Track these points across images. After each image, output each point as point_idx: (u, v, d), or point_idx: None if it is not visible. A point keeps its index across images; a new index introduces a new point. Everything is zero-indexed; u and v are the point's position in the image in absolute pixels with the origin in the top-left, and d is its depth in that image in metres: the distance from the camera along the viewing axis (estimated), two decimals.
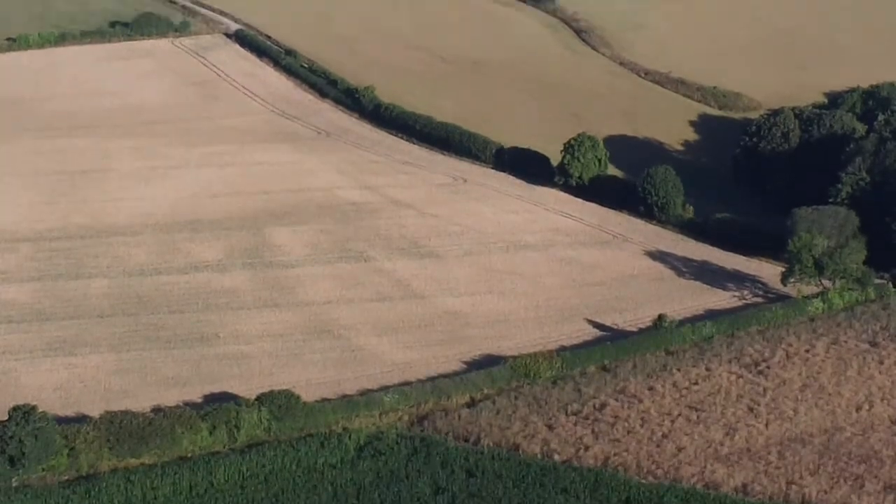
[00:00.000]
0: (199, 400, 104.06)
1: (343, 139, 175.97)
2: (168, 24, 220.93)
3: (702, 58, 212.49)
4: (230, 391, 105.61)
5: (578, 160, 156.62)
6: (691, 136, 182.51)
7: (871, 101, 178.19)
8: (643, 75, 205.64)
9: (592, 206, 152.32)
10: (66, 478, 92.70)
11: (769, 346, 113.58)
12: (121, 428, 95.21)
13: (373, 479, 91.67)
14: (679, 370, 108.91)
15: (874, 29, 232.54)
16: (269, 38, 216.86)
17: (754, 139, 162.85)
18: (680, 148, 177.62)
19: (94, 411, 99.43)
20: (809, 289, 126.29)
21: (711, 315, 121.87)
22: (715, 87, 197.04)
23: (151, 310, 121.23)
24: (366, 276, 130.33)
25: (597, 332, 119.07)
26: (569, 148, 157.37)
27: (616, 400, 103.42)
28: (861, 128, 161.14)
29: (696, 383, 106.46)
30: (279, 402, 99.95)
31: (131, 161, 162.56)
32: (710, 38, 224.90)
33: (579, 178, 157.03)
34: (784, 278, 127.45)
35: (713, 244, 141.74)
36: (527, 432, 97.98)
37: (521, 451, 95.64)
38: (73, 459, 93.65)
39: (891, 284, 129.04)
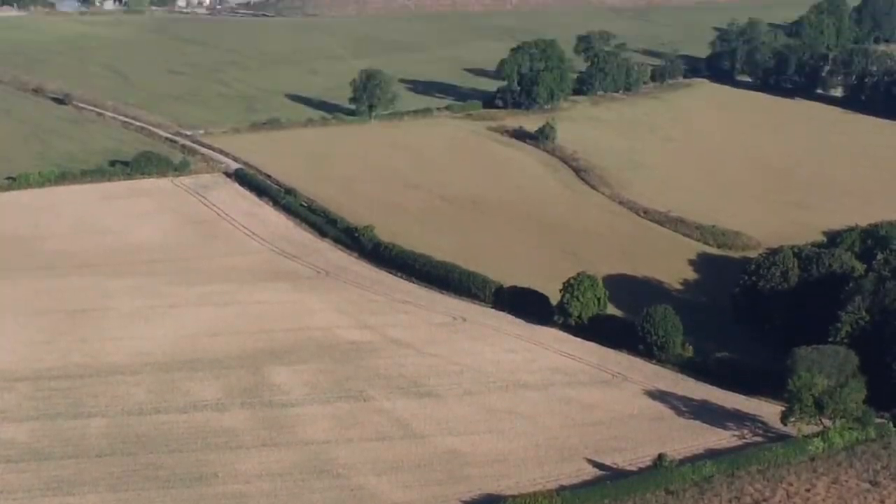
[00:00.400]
0: None
1: (342, 278, 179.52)
2: (168, 163, 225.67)
3: (700, 197, 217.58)
4: None
5: (578, 299, 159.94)
6: (690, 274, 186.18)
7: (870, 240, 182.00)
8: (642, 214, 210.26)
9: (592, 346, 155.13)
10: None
11: (769, 486, 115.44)
12: None
13: None
14: None
15: (872, 168, 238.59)
16: (268, 177, 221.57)
17: (753, 278, 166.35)
18: (679, 287, 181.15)
19: None
20: (810, 428, 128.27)
21: (712, 454, 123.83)
22: (714, 226, 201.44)
23: (150, 449, 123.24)
24: (365, 415, 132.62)
25: (596, 472, 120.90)
26: (568, 287, 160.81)
27: None
28: (860, 267, 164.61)
29: None
30: None
31: (131, 300, 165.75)
32: (708, 177, 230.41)
33: (578, 317, 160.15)
34: (784, 417, 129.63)
35: (713, 383, 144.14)
36: None
37: None
38: None
39: (891, 424, 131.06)
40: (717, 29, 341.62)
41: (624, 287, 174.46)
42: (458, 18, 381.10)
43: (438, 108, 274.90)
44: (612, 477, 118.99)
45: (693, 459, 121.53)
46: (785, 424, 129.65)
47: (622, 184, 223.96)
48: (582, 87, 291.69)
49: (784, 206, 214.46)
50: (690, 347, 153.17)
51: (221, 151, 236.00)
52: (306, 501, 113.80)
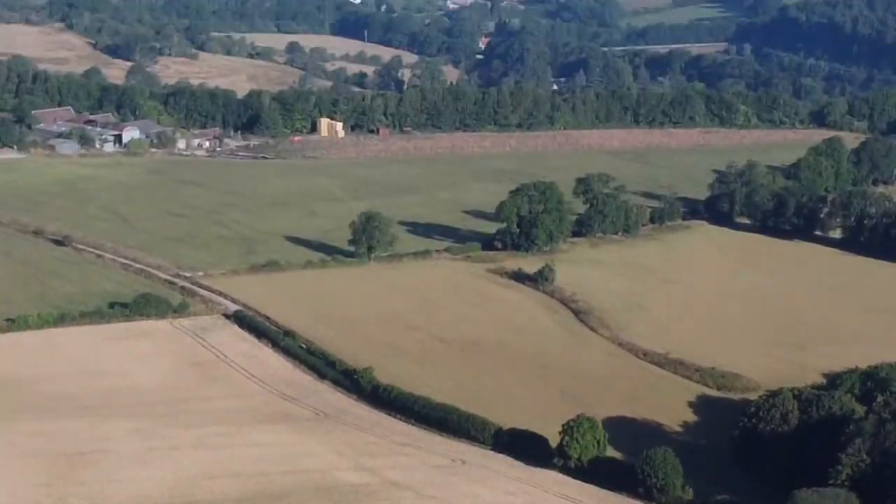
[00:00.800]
0: None
1: (341, 420, 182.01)
2: (167, 304, 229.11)
3: (700, 338, 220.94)
4: None
5: (577, 441, 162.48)
6: (690, 417, 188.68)
7: (870, 382, 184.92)
8: (641, 356, 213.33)
9: (591, 489, 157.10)
10: None
11: None
12: None
13: None
14: None
15: (871, 310, 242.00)
16: (267, 318, 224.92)
17: (753, 420, 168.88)
18: (679, 429, 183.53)
19: None
20: None
21: None
22: (713, 368, 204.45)
23: None
24: None
25: None
26: (567, 429, 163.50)
27: None
28: (860, 409, 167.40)
29: None
30: None
31: (130, 442, 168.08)
32: (708, 319, 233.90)
33: (578, 459, 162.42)
34: None
35: None
36: None
37: None
38: None
39: None
40: (715, 171, 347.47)
41: (623, 429, 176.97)
42: (456, 161, 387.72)
43: (438, 250, 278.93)
44: None
45: None
46: None
47: (621, 326, 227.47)
48: (581, 228, 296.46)
49: (783, 347, 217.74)
50: (690, 490, 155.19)
51: (220, 293, 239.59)
52: None
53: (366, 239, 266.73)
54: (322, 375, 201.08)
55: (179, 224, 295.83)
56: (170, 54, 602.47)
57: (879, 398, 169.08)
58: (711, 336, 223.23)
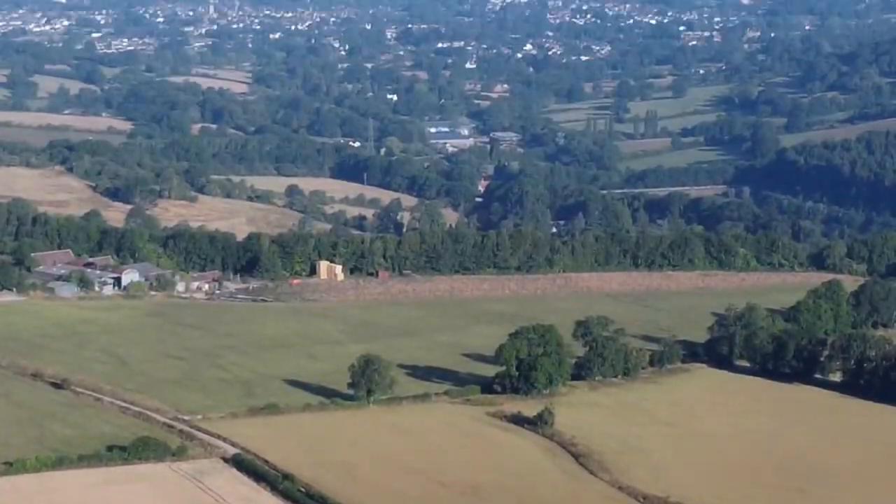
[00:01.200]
0: None
1: None
2: (165, 448, 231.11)
3: (700, 481, 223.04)
4: None
5: None
6: None
7: None
8: (642, 500, 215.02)
9: None
10: None
11: None
12: None
13: None
14: None
15: (872, 454, 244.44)
16: (266, 462, 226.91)
17: None
18: None
19: None
20: None
21: None
22: None
23: None
24: None
25: None
26: None
27: None
28: None
29: None
30: None
31: None
32: (708, 462, 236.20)
33: None
34: None
35: None
36: None
37: None
38: None
39: None
40: (714, 314, 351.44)
41: None
42: (456, 304, 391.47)
43: (437, 394, 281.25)
44: None
45: None
46: None
47: (621, 469, 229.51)
48: (581, 372, 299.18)
49: (785, 492, 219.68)
50: None
51: (219, 436, 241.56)
52: None
53: (365, 382, 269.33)
54: None
55: (178, 367, 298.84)
56: (169, 197, 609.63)
57: None
58: (711, 479, 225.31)
